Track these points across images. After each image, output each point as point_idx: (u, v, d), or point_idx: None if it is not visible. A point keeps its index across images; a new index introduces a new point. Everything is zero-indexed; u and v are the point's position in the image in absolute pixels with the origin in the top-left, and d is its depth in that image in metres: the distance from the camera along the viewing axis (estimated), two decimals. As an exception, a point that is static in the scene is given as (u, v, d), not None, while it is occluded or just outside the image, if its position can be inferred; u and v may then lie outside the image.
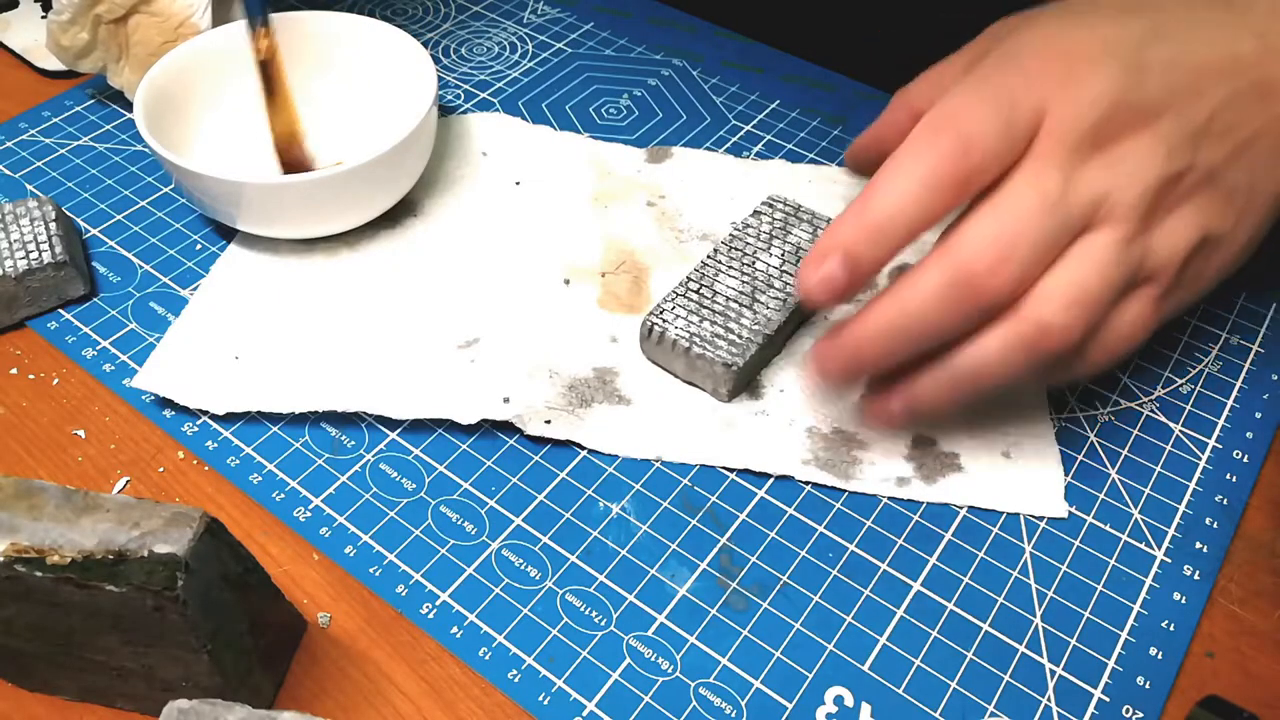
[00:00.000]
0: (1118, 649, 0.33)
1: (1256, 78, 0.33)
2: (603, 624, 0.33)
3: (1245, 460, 0.38)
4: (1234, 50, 0.33)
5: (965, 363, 0.32)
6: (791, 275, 0.40)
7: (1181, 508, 0.37)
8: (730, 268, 0.40)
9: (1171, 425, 0.39)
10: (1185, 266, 0.33)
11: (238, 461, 0.37)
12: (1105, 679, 0.32)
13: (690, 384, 0.39)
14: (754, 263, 0.40)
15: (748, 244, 0.41)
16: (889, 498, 0.37)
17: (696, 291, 0.40)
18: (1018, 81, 0.32)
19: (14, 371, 0.41)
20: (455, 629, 0.33)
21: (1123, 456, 0.38)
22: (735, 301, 0.39)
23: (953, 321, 0.32)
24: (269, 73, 0.45)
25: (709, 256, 0.41)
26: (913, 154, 0.32)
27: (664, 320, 0.39)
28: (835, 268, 0.32)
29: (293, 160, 0.46)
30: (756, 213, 0.42)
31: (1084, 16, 0.34)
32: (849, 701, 0.32)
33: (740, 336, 0.38)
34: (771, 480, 0.37)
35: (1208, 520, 0.36)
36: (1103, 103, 0.31)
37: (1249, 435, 0.39)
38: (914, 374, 0.34)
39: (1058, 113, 0.31)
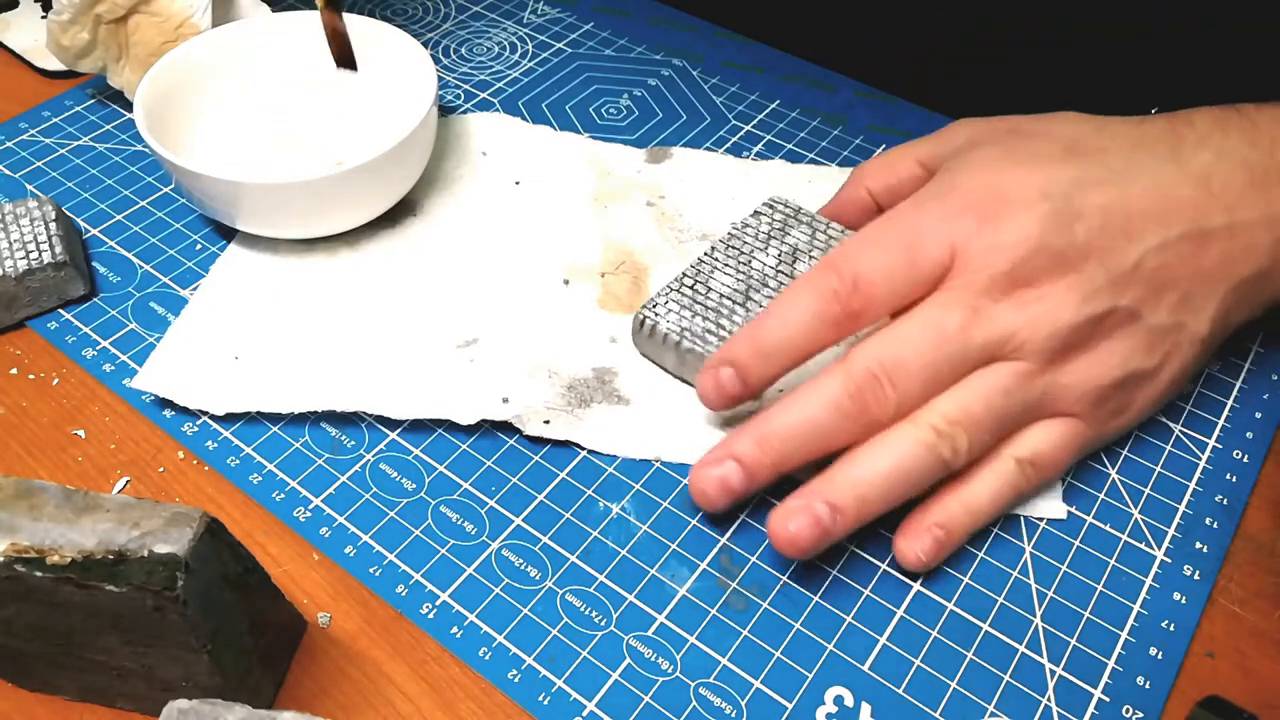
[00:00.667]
0: (1118, 649, 0.33)
1: (1191, 227, 0.34)
2: (603, 624, 0.33)
3: (1245, 460, 0.38)
4: (1171, 195, 0.35)
5: (870, 461, 0.33)
6: (786, 276, 0.40)
7: (1181, 507, 0.37)
8: (726, 266, 0.40)
9: (1171, 425, 0.39)
10: (1105, 400, 0.35)
11: (238, 461, 0.37)
12: (1105, 679, 0.32)
13: (680, 379, 0.39)
14: (750, 262, 0.40)
15: (745, 243, 0.41)
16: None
17: (691, 287, 0.40)
18: (933, 222, 0.34)
19: (14, 371, 0.41)
20: (455, 629, 0.33)
21: (1122, 456, 0.38)
22: (728, 299, 0.39)
23: (844, 429, 0.33)
24: None
25: (706, 254, 0.41)
26: (804, 288, 0.35)
27: (656, 314, 0.39)
28: (729, 379, 0.35)
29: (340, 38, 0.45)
30: (757, 213, 0.42)
31: (1030, 151, 0.36)
32: (849, 701, 0.32)
33: (731, 333, 0.38)
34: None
35: (1208, 520, 0.36)
36: (1023, 246, 0.33)
37: (1249, 435, 0.39)
38: (827, 478, 0.34)
39: (972, 253, 0.33)
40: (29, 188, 0.48)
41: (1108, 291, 0.33)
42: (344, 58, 0.43)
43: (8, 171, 0.49)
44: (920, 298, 0.34)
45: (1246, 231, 0.35)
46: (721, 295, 0.39)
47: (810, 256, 0.40)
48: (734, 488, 0.34)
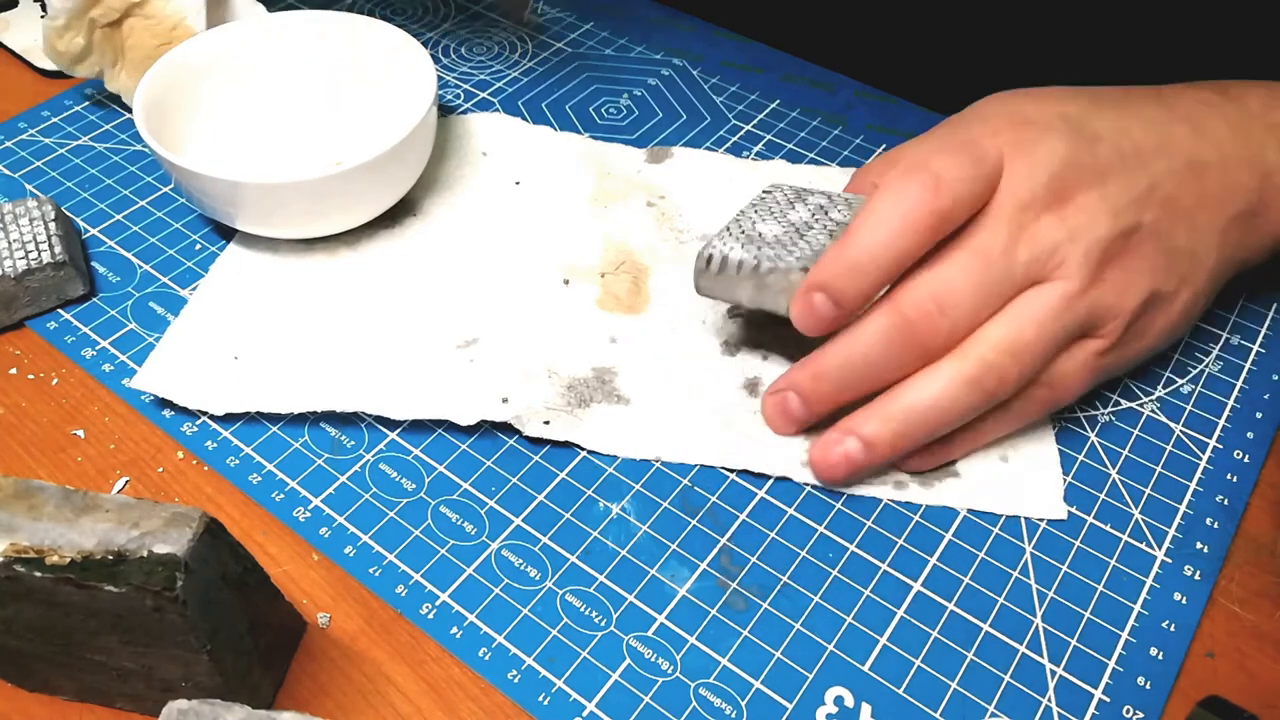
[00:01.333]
0: (1118, 649, 0.33)
1: (1190, 158, 0.36)
2: (603, 624, 0.33)
3: (1246, 460, 0.38)
4: (1167, 130, 0.36)
5: (911, 395, 0.34)
6: (829, 221, 0.38)
7: (1182, 508, 0.37)
8: (765, 219, 0.38)
9: (1172, 425, 0.39)
10: (1132, 323, 0.35)
11: (237, 461, 0.37)
12: (1106, 679, 0.32)
13: (758, 310, 0.37)
14: (785, 214, 0.39)
15: (771, 207, 0.39)
16: (889, 499, 0.37)
17: (743, 232, 0.38)
18: (984, 132, 0.35)
19: (13, 371, 0.41)
20: (455, 629, 0.33)
21: (1123, 456, 0.38)
22: (783, 237, 0.37)
23: (897, 362, 0.34)
24: None
25: (740, 214, 0.39)
26: (890, 197, 0.34)
27: (723, 249, 0.37)
28: (822, 303, 0.34)
29: None
30: (767, 191, 0.40)
31: (1037, 93, 0.37)
32: (849, 702, 0.32)
33: (804, 253, 0.36)
34: (771, 480, 0.37)
35: (1208, 520, 0.36)
36: (1055, 162, 0.34)
37: (1249, 435, 0.39)
38: (864, 412, 0.35)
39: (1014, 170, 0.34)
40: (28, 187, 0.48)
41: (1134, 207, 0.35)
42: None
43: (7, 171, 0.49)
44: (985, 203, 0.34)
45: (1236, 168, 0.37)
46: (775, 236, 0.37)
47: (837, 209, 0.38)
48: (795, 414, 0.37)
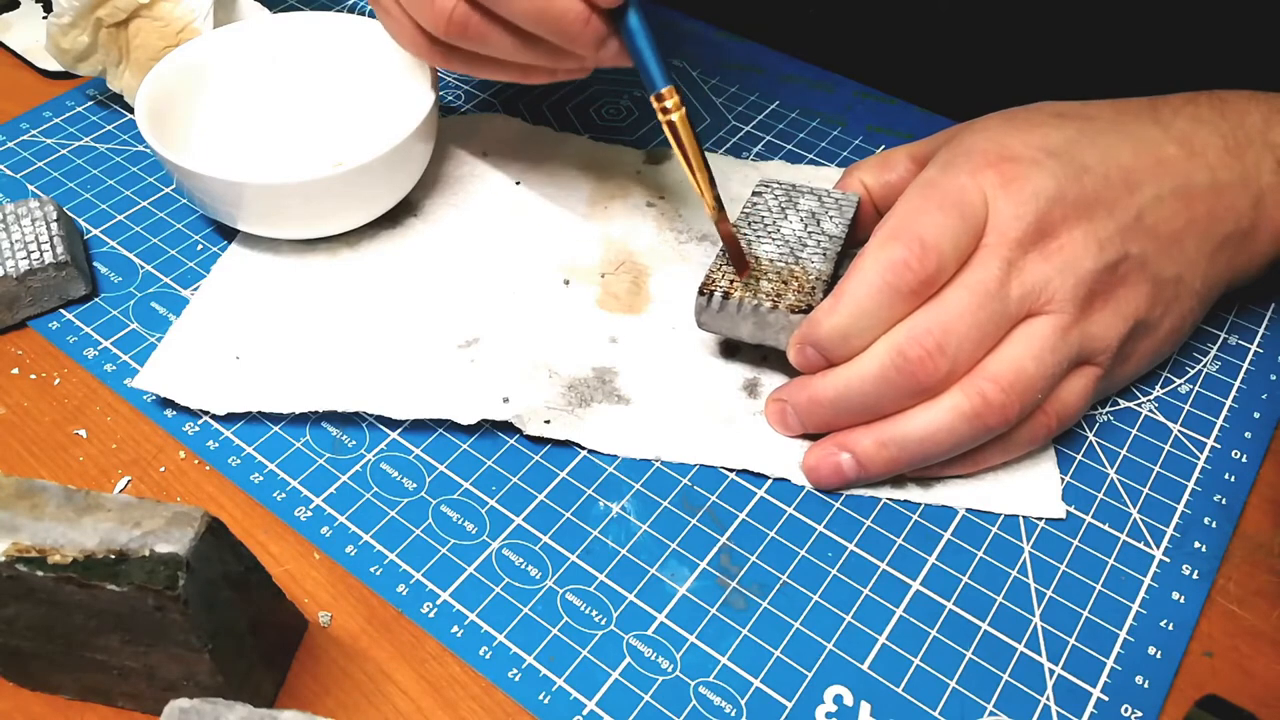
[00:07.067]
0: (1116, 648, 0.33)
1: (1179, 182, 0.36)
2: (603, 623, 0.34)
3: (1244, 460, 0.38)
4: (1159, 153, 0.37)
5: (910, 424, 0.35)
6: (819, 235, 0.39)
7: (1180, 507, 0.37)
8: (759, 238, 0.40)
9: (1170, 425, 0.39)
10: (1120, 349, 0.36)
11: (239, 461, 0.38)
12: (1104, 678, 0.32)
13: (760, 345, 0.39)
14: (778, 230, 0.40)
15: (763, 218, 0.40)
16: (888, 498, 0.37)
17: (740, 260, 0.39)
18: (966, 181, 0.35)
19: (15, 371, 0.41)
20: (456, 628, 0.33)
21: (1121, 456, 0.38)
22: (779, 262, 0.39)
23: (894, 398, 0.35)
24: (678, 137, 0.37)
25: (733, 227, 0.39)
26: (873, 266, 0.34)
27: (724, 287, 0.38)
28: (814, 356, 0.36)
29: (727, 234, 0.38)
30: (757, 193, 0.41)
31: (1024, 119, 0.38)
32: (848, 700, 0.32)
33: (803, 287, 0.38)
34: (771, 480, 0.37)
35: (1206, 520, 0.36)
36: (1043, 198, 0.34)
37: (1247, 435, 0.39)
38: (864, 429, 0.36)
39: (1000, 210, 0.34)
40: (30, 188, 0.48)
41: (1119, 239, 0.35)
42: (739, 262, 0.38)
43: (9, 172, 0.49)
44: (973, 252, 0.35)
45: (1228, 191, 0.37)
46: (772, 260, 0.39)
47: (829, 217, 0.40)
48: (792, 425, 0.37)
